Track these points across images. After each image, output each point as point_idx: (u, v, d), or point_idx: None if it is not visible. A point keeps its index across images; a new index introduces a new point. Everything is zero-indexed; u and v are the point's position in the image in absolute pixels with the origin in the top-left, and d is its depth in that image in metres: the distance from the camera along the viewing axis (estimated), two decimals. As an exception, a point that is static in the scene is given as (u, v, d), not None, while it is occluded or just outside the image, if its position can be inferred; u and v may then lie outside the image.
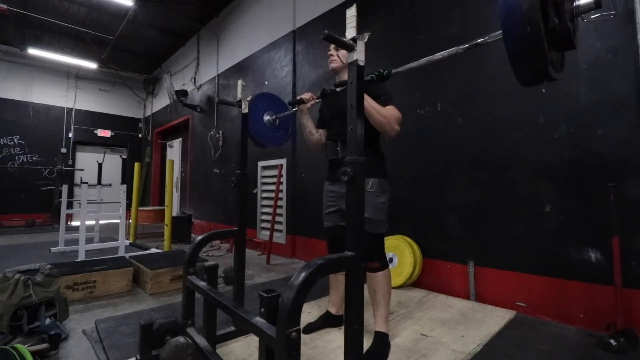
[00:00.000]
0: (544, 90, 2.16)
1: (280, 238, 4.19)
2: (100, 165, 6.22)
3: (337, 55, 1.79)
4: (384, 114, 1.55)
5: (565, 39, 0.85)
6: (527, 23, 0.78)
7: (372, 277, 1.67)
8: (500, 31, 0.89)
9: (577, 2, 0.85)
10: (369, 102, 1.51)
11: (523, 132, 2.26)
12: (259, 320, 1.07)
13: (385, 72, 1.34)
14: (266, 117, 2.11)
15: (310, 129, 1.91)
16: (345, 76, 1.76)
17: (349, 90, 1.08)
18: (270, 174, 4.44)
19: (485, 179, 2.43)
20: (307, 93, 1.82)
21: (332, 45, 1.82)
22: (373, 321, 1.69)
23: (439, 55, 1.19)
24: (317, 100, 1.83)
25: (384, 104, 1.58)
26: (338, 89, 1.76)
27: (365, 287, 1.23)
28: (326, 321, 1.92)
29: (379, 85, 1.57)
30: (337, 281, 1.92)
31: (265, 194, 4.55)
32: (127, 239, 4.53)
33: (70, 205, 6.27)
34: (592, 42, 2.00)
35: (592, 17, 0.80)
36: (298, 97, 1.80)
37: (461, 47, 1.12)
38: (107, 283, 2.58)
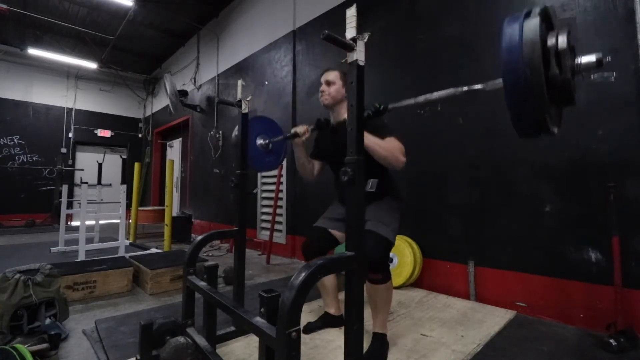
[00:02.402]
0: (544, 90, 2.16)
1: (280, 238, 4.19)
2: (100, 165, 6.23)
3: (329, 90, 1.76)
4: (386, 147, 1.50)
5: (565, 91, 0.85)
6: (528, 66, 0.79)
7: (373, 288, 1.58)
8: (500, 79, 0.88)
9: (579, 59, 0.84)
10: (369, 138, 1.45)
11: (523, 132, 2.25)
12: (259, 320, 1.07)
13: (382, 106, 1.31)
14: (259, 141, 2.06)
15: (303, 161, 1.87)
16: (338, 111, 1.77)
17: (349, 90, 1.08)
18: (270, 174, 4.44)
19: (485, 179, 2.43)
20: (302, 126, 1.74)
21: (324, 80, 1.79)
22: (371, 322, 1.68)
23: (435, 94, 1.19)
24: (312, 131, 1.78)
25: (383, 136, 1.53)
26: (334, 121, 1.77)
27: (365, 287, 1.23)
28: (326, 321, 1.92)
29: (377, 119, 1.48)
30: (323, 283, 1.92)
31: (265, 194, 4.55)
32: (127, 239, 4.53)
33: (70, 205, 6.27)
34: (592, 42, 2.00)
35: (592, 75, 0.81)
36: (292, 131, 1.73)
37: (460, 89, 1.11)
38: (107, 283, 2.58)
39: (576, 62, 0.85)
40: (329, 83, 1.79)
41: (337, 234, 1.80)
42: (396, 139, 1.57)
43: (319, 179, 1.97)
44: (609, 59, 0.73)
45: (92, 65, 7.42)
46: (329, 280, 1.91)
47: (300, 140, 1.76)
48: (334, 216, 1.85)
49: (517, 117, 0.87)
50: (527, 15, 0.84)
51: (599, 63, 0.83)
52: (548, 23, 0.88)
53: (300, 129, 1.72)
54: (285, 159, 4.18)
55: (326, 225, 1.84)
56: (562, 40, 0.82)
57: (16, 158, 7.43)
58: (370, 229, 1.57)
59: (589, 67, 0.84)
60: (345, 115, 1.74)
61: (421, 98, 1.20)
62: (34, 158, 7.62)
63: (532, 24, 0.81)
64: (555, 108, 0.91)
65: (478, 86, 1.05)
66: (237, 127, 2.12)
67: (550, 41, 0.82)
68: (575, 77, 0.85)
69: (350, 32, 1.04)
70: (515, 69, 0.81)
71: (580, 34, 2.05)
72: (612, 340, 1.65)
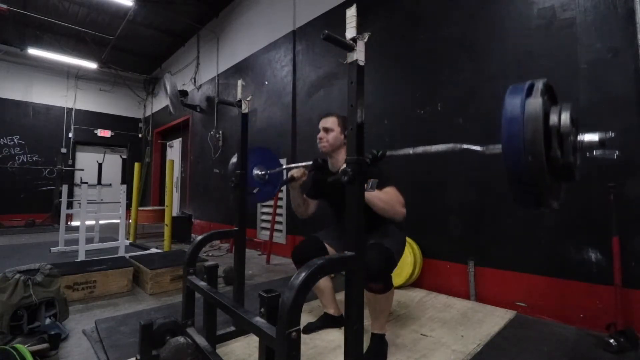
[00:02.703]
0: (544, 90, 2.16)
1: (280, 238, 4.19)
2: (100, 165, 6.23)
3: (327, 137, 1.73)
4: (385, 199, 1.46)
5: (567, 172, 0.84)
6: (529, 153, 0.78)
7: (373, 297, 1.54)
8: (499, 146, 0.88)
9: (582, 137, 0.83)
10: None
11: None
12: (259, 320, 1.07)
13: (380, 152, 1.30)
14: (256, 172, 2.05)
15: (298, 202, 1.87)
16: (336, 157, 1.76)
17: (349, 90, 1.08)
18: (270, 174, 4.43)
19: (485, 179, 2.43)
20: (299, 169, 1.73)
21: (322, 127, 1.77)
22: (370, 324, 1.67)
23: (434, 148, 1.17)
24: (309, 174, 1.78)
25: (381, 186, 1.47)
26: (331, 166, 1.77)
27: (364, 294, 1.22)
28: (326, 322, 1.92)
29: (375, 168, 1.43)
30: (319, 288, 1.92)
31: (265, 194, 4.54)
32: (127, 239, 4.53)
33: (70, 205, 6.26)
34: (592, 42, 2.00)
35: (595, 152, 0.81)
36: (289, 174, 1.72)
37: (458, 145, 1.11)
38: (107, 283, 2.58)
39: (578, 139, 0.83)
40: (326, 130, 1.75)
41: (330, 249, 1.82)
42: (395, 188, 1.54)
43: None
44: (612, 134, 0.73)
45: (92, 65, 7.42)
46: (324, 282, 1.91)
47: (297, 184, 1.75)
48: (332, 235, 1.86)
49: (517, 192, 0.87)
50: (530, 90, 0.82)
51: (601, 143, 0.81)
52: (550, 95, 0.87)
53: (297, 172, 1.71)
54: (285, 160, 4.18)
55: (322, 237, 1.85)
56: (565, 120, 0.80)
57: (16, 158, 7.43)
58: (375, 241, 1.58)
59: (591, 146, 0.83)
60: (342, 162, 1.72)
61: (419, 149, 1.19)
62: (34, 158, 7.62)
63: (534, 105, 0.79)
64: (555, 184, 0.90)
65: (477, 148, 1.04)
66: (233, 158, 2.10)
67: (553, 120, 0.81)
68: (578, 154, 0.84)
69: (350, 32, 1.04)
70: (516, 151, 0.80)
71: (580, 33, 2.05)
72: (612, 340, 1.65)
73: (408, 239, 2.73)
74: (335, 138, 1.73)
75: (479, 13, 2.51)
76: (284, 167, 2.08)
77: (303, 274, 0.93)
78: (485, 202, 2.43)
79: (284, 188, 4.15)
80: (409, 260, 2.60)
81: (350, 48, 1.04)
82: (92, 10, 6.04)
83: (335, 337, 1.80)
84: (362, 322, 1.06)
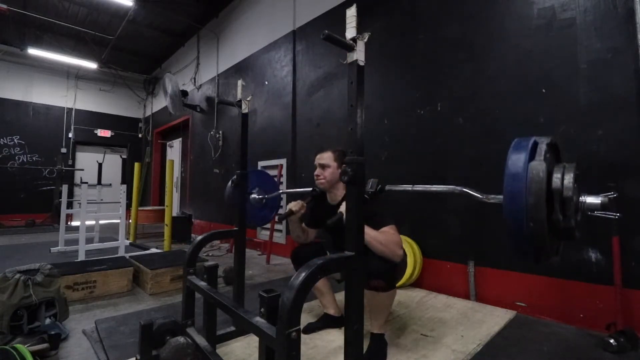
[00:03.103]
0: (544, 90, 2.16)
1: (280, 238, 4.19)
2: (100, 165, 6.23)
3: (325, 174, 1.73)
4: (383, 241, 1.42)
5: (567, 233, 0.85)
6: (531, 219, 0.78)
7: (373, 295, 1.52)
8: (501, 196, 0.89)
9: (584, 199, 0.84)
10: (366, 230, 1.33)
11: (523, 132, 2.25)
12: (259, 320, 1.07)
13: (379, 187, 1.29)
14: (253, 196, 2.05)
15: (298, 234, 1.89)
16: (334, 192, 1.76)
17: (349, 90, 1.08)
18: (270, 173, 4.43)
19: (485, 179, 2.43)
20: (297, 203, 1.72)
21: (318, 163, 1.76)
22: (370, 325, 1.66)
23: (434, 188, 1.19)
24: (307, 204, 1.78)
25: (379, 225, 1.47)
26: (330, 200, 1.78)
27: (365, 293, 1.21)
28: (326, 322, 1.92)
29: (374, 203, 1.40)
30: (319, 289, 1.92)
31: (265, 194, 4.54)
32: (127, 239, 4.53)
33: (70, 205, 6.26)
34: (592, 42, 2.00)
35: (596, 213, 0.82)
36: (288, 209, 1.72)
37: (457, 188, 1.10)
38: (107, 283, 2.58)
39: (580, 200, 0.84)
40: (323, 167, 1.75)
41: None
42: (394, 227, 1.51)
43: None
44: (614, 195, 0.74)
45: (92, 65, 7.42)
46: (321, 283, 1.92)
47: (296, 217, 1.75)
48: (331, 242, 1.86)
49: (516, 249, 0.87)
50: (534, 149, 0.82)
51: (603, 207, 0.82)
52: (554, 152, 0.88)
53: (295, 206, 1.70)
54: (285, 160, 4.18)
55: (323, 244, 1.86)
56: (569, 183, 0.80)
57: (16, 158, 7.43)
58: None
59: (592, 208, 0.84)
60: (340, 196, 1.73)
61: (418, 187, 1.20)
62: (34, 158, 7.62)
63: (538, 169, 0.79)
64: (556, 242, 0.91)
65: (478, 195, 1.05)
66: (228, 186, 2.10)
67: (556, 182, 0.80)
68: (579, 214, 0.84)
69: (350, 32, 1.04)
70: (517, 213, 0.81)
71: (580, 33, 2.06)
72: (612, 340, 1.65)
73: (408, 239, 2.74)
74: (332, 174, 1.73)
75: (479, 13, 2.51)
76: (281, 191, 2.09)
77: (303, 274, 0.93)
78: (485, 202, 2.42)
79: (283, 180, 4.15)
80: (409, 260, 2.60)
81: (350, 48, 1.05)
82: (92, 10, 6.03)
83: (335, 337, 1.80)
84: (362, 322, 1.06)
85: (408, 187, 1.22)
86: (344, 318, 1.08)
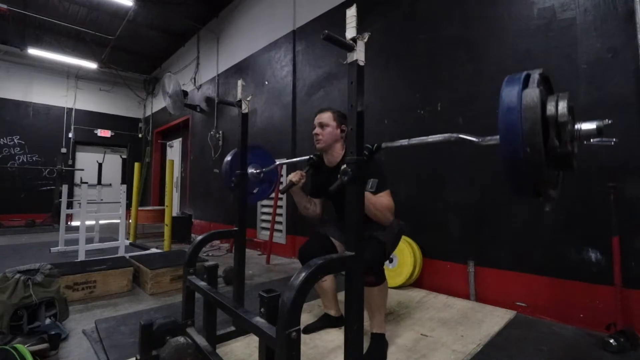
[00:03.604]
0: (544, 90, 2.16)
1: (280, 238, 4.19)
2: (100, 165, 6.24)
3: (324, 133, 1.73)
4: (379, 207, 1.50)
5: (565, 161, 0.85)
6: (527, 144, 0.78)
7: (366, 290, 1.53)
8: (497, 137, 0.89)
9: (579, 126, 0.84)
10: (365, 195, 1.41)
11: (523, 132, 2.25)
12: (259, 320, 1.07)
13: (375, 146, 1.30)
14: (251, 171, 2.04)
15: (305, 205, 1.87)
16: (331, 152, 1.76)
17: (349, 90, 1.08)
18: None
19: (485, 179, 2.43)
20: (296, 174, 1.70)
21: (317, 122, 1.76)
22: (369, 325, 1.67)
23: (430, 138, 1.20)
24: (307, 172, 1.77)
25: (378, 191, 1.52)
26: (327, 162, 1.77)
27: None
28: (326, 322, 1.92)
29: (370, 164, 1.44)
30: (322, 286, 1.92)
31: (265, 194, 4.54)
32: (127, 239, 4.53)
33: (70, 205, 6.26)
34: (592, 42, 2.01)
35: (592, 140, 0.81)
36: (288, 180, 1.70)
37: (453, 135, 1.11)
38: (107, 283, 2.58)
39: (576, 128, 0.84)
40: (322, 125, 1.74)
41: (337, 244, 1.81)
42: (389, 193, 1.58)
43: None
44: (609, 121, 0.74)
45: (92, 65, 7.41)
46: (328, 283, 1.91)
47: (297, 188, 1.74)
48: (337, 225, 1.85)
49: (514, 183, 0.86)
50: (526, 80, 0.83)
51: (599, 131, 0.82)
52: (547, 85, 0.88)
53: (295, 177, 1.69)
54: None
55: (328, 232, 1.84)
56: (563, 109, 0.80)
57: (16, 158, 7.43)
58: (370, 234, 1.58)
59: (588, 134, 0.83)
60: (338, 157, 1.73)
61: (414, 140, 1.22)
62: (34, 158, 7.62)
63: (532, 95, 0.79)
64: (553, 174, 0.90)
65: (473, 138, 1.05)
66: (230, 154, 2.09)
67: (550, 109, 0.81)
68: (575, 142, 0.84)
69: (350, 32, 1.04)
70: (514, 143, 0.80)
71: (580, 33, 2.06)
72: (612, 340, 1.65)
73: (408, 239, 2.74)
74: (331, 133, 1.73)
75: (479, 13, 2.51)
76: (278, 163, 2.08)
77: (303, 274, 0.93)
78: (485, 202, 2.43)
79: (283, 180, 4.15)
80: (409, 260, 2.60)
81: (350, 48, 1.05)
82: (92, 10, 6.03)
83: (335, 337, 1.80)
84: (362, 322, 1.06)
85: (404, 142, 1.24)
86: (344, 318, 1.08)
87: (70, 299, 2.31)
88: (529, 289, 2.18)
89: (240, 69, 5.31)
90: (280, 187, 1.94)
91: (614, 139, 0.92)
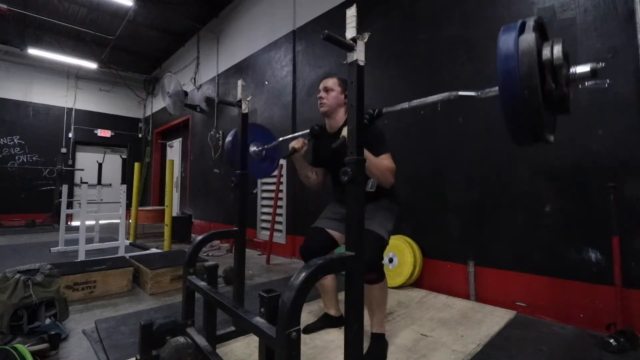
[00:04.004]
0: (544, 90, 2.16)
1: (280, 238, 4.19)
2: (100, 165, 6.24)
3: (328, 97, 1.75)
4: (380, 167, 1.50)
5: (561, 104, 0.87)
6: (525, 87, 0.81)
7: (367, 288, 1.55)
8: (495, 87, 0.91)
9: (574, 69, 0.87)
10: (365, 154, 1.42)
11: (523, 132, 2.26)
12: (259, 320, 1.07)
13: (376, 111, 1.32)
14: (252, 149, 2.05)
15: (306, 173, 1.87)
16: (334, 117, 1.78)
17: (349, 90, 1.08)
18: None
19: (485, 179, 2.43)
20: (298, 140, 1.73)
21: (322, 87, 1.78)
22: (370, 324, 1.67)
23: (430, 98, 1.20)
24: (308, 142, 1.78)
25: (377, 152, 1.53)
26: (329, 128, 1.79)
27: None
28: (326, 322, 1.92)
29: (372, 128, 1.50)
30: (323, 285, 1.92)
31: (265, 194, 4.55)
32: (127, 239, 4.53)
33: (70, 205, 6.26)
34: (592, 42, 2.00)
35: (587, 84, 0.85)
36: (290, 147, 1.71)
37: (454, 93, 1.13)
38: (107, 283, 2.58)
39: (571, 71, 0.86)
40: (327, 90, 1.78)
41: (336, 235, 1.80)
42: (389, 156, 1.58)
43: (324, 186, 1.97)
44: (602, 64, 0.76)
45: (92, 65, 7.42)
46: (329, 282, 1.91)
47: (299, 155, 1.75)
48: (332, 216, 1.84)
49: (514, 128, 0.89)
50: (522, 27, 0.84)
51: (593, 73, 0.85)
52: (542, 32, 0.90)
53: (297, 144, 1.71)
54: (285, 160, 4.18)
55: (324, 225, 1.82)
56: (558, 53, 0.83)
57: (16, 158, 7.43)
58: (366, 227, 1.57)
59: (583, 77, 0.86)
60: (341, 122, 1.74)
61: (415, 102, 1.22)
62: (34, 158, 7.62)
63: (528, 41, 0.81)
64: (550, 117, 0.94)
65: (472, 93, 1.08)
66: (230, 134, 2.11)
67: (545, 54, 0.84)
68: (571, 86, 0.87)
69: (350, 32, 1.04)
70: (512, 87, 0.83)
71: (580, 33, 2.06)
72: (612, 340, 1.65)
73: (408, 239, 2.74)
74: (335, 97, 1.76)
75: (479, 13, 2.51)
76: (280, 139, 2.08)
77: (303, 274, 0.93)
78: (485, 202, 2.43)
79: (283, 180, 4.15)
80: (409, 260, 2.60)
81: (350, 48, 1.05)
82: (92, 10, 6.03)
83: (335, 337, 1.80)
84: (362, 322, 1.06)
85: (405, 105, 1.25)
86: (344, 318, 1.08)
87: (70, 299, 2.31)
88: (529, 289, 2.18)
89: (240, 69, 5.31)
90: (283, 156, 1.95)
91: (608, 81, 0.94)
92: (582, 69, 0.86)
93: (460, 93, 1.10)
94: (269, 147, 2.11)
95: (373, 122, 1.34)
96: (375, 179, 1.54)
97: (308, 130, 1.83)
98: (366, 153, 1.39)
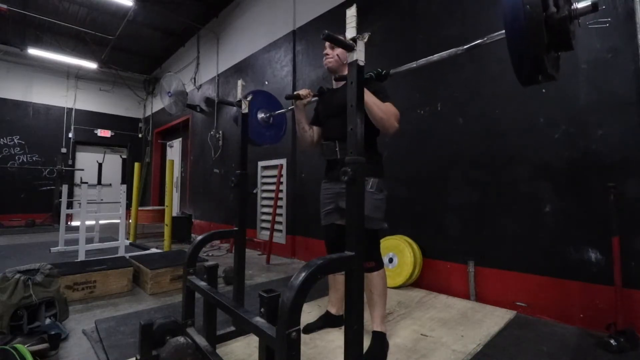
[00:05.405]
0: (543, 90, 2.16)
1: (280, 238, 4.19)
2: (100, 165, 6.23)
3: (334, 53, 1.78)
4: (384, 109, 1.53)
5: (563, 33, 0.89)
6: (527, 3, 0.84)
7: (367, 277, 1.62)
8: (500, 31, 0.94)
9: (576, 5, 0.89)
10: (369, 97, 1.49)
11: (523, 132, 2.26)
12: (259, 320, 1.07)
13: (384, 71, 1.34)
14: (260, 115, 2.08)
15: (303, 125, 1.90)
16: (341, 74, 1.78)
17: (349, 90, 1.08)
18: (270, 174, 4.44)
19: (485, 179, 2.43)
20: (305, 89, 1.80)
21: (328, 44, 1.81)
22: (370, 321, 1.68)
23: (436, 56, 1.21)
24: (314, 98, 1.83)
25: (382, 101, 1.56)
26: (336, 85, 1.79)
27: None
28: (326, 321, 1.92)
29: (377, 83, 1.56)
30: (336, 281, 1.92)
31: (265, 194, 4.55)
32: (127, 239, 4.53)
33: (70, 205, 6.27)
34: (592, 42, 2.00)
35: (587, 23, 0.87)
36: (295, 93, 1.79)
37: (461, 48, 1.14)
38: (107, 283, 2.58)
39: (572, 6, 0.89)
40: (333, 47, 1.80)
41: (343, 221, 1.80)
42: (392, 105, 1.60)
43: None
44: (604, 7, 0.80)
45: (92, 65, 7.42)
46: (342, 278, 1.90)
47: (301, 103, 1.79)
48: (330, 208, 1.83)
49: (518, 57, 0.92)
50: None
51: (594, 7, 0.87)
52: None
53: (302, 91, 1.77)
54: (285, 160, 4.18)
55: (331, 220, 1.84)
56: None
57: (16, 158, 7.43)
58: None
59: (585, 11, 0.89)
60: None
61: (422, 61, 1.23)
62: (34, 158, 7.62)
63: None
64: (553, 52, 0.95)
65: (478, 41, 1.09)
66: (235, 109, 2.11)
67: None
68: (572, 22, 0.90)
69: (350, 32, 1.04)
70: (516, 7, 0.86)
71: (580, 33, 2.06)
72: (612, 340, 1.65)
73: (408, 239, 2.74)
74: (342, 53, 1.76)
75: (479, 13, 2.51)
76: (289, 108, 2.09)
77: (303, 274, 0.93)
78: (485, 202, 2.43)
79: (284, 180, 4.15)
80: (409, 260, 2.60)
81: (350, 48, 1.05)
82: (92, 10, 6.03)
83: (335, 337, 1.80)
84: (362, 322, 1.06)
85: (413, 64, 1.26)
86: (344, 318, 1.08)
87: (70, 299, 2.31)
88: (529, 289, 2.18)
89: (240, 69, 5.31)
90: (287, 96, 1.97)
91: (609, 19, 0.96)
92: (584, 3, 0.89)
93: (467, 46, 1.13)
94: (276, 114, 2.12)
95: (378, 80, 1.37)
96: (379, 122, 1.53)
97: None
98: (367, 94, 1.43)
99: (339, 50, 1.77)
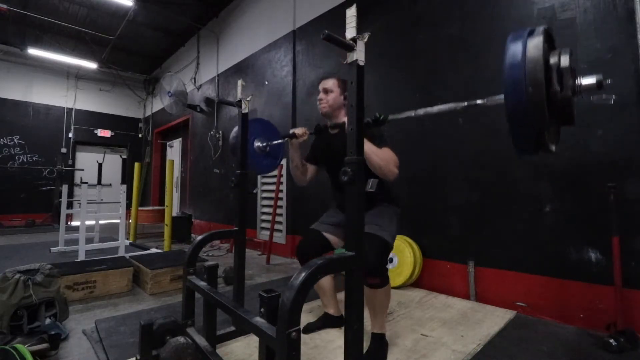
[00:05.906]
0: (544, 90, 2.16)
1: (280, 238, 4.19)
2: (100, 165, 6.22)
3: (327, 98, 1.76)
4: (382, 156, 1.49)
5: (566, 110, 0.86)
6: (530, 83, 0.80)
7: (372, 292, 1.56)
8: (501, 95, 0.90)
9: (580, 80, 0.85)
10: (367, 145, 1.42)
11: (523, 132, 2.25)
12: (259, 320, 1.07)
13: (382, 116, 1.31)
14: (257, 144, 2.06)
15: (297, 163, 1.88)
16: (336, 118, 1.78)
17: (349, 90, 1.08)
18: (271, 174, 4.44)
19: (485, 179, 2.43)
20: (301, 128, 1.74)
21: (322, 88, 1.79)
22: (370, 323, 1.67)
23: (435, 108, 1.19)
24: (310, 135, 1.79)
25: (379, 146, 1.53)
26: (332, 131, 1.77)
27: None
28: (326, 322, 1.92)
29: (375, 128, 1.49)
30: (319, 285, 1.91)
31: (265, 194, 4.54)
32: (127, 239, 4.53)
33: (70, 205, 6.27)
34: (592, 42, 2.00)
35: (592, 97, 0.85)
36: (291, 131, 1.74)
37: (460, 104, 1.13)
38: (107, 283, 2.58)
39: (577, 82, 0.85)
40: (326, 91, 1.79)
41: (332, 238, 1.81)
42: (390, 150, 1.57)
43: (313, 181, 1.98)
44: (609, 81, 0.76)
45: (92, 65, 7.41)
46: (326, 281, 1.91)
47: (297, 142, 1.76)
48: (330, 221, 1.85)
49: (517, 134, 0.88)
50: (531, 33, 0.85)
51: (599, 85, 0.83)
52: (550, 42, 0.90)
53: (298, 130, 1.73)
54: (285, 160, 4.18)
55: (321, 228, 1.84)
56: (565, 59, 0.84)
57: (16, 158, 7.43)
58: (369, 232, 1.56)
59: (589, 88, 0.85)
60: (342, 121, 1.75)
61: (421, 111, 1.22)
62: (34, 158, 7.62)
63: (536, 42, 0.82)
64: (554, 126, 0.93)
65: (479, 101, 1.08)
66: (234, 130, 2.11)
67: (553, 60, 0.84)
68: (575, 97, 0.86)
69: (350, 32, 1.04)
70: (518, 85, 0.82)
71: (580, 33, 2.06)
72: (612, 340, 1.65)
73: (408, 239, 2.74)
74: (335, 99, 1.76)
75: (479, 13, 2.51)
76: (285, 139, 2.09)
77: (303, 274, 0.93)
78: (485, 202, 2.43)
79: (283, 180, 4.15)
80: (409, 260, 2.60)
81: (350, 48, 1.05)
82: (92, 10, 6.03)
83: (335, 337, 1.80)
84: (362, 322, 1.06)
85: (411, 113, 1.24)
86: (344, 318, 1.08)
87: (70, 299, 2.31)
88: (529, 289, 2.18)
89: (240, 69, 5.31)
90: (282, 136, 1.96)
91: (613, 96, 0.94)
92: (588, 80, 0.85)
93: (466, 103, 1.09)
94: (273, 145, 2.11)
95: (377, 126, 1.32)
96: (378, 170, 1.48)
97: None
98: (367, 144, 1.40)
99: (332, 96, 1.76)
